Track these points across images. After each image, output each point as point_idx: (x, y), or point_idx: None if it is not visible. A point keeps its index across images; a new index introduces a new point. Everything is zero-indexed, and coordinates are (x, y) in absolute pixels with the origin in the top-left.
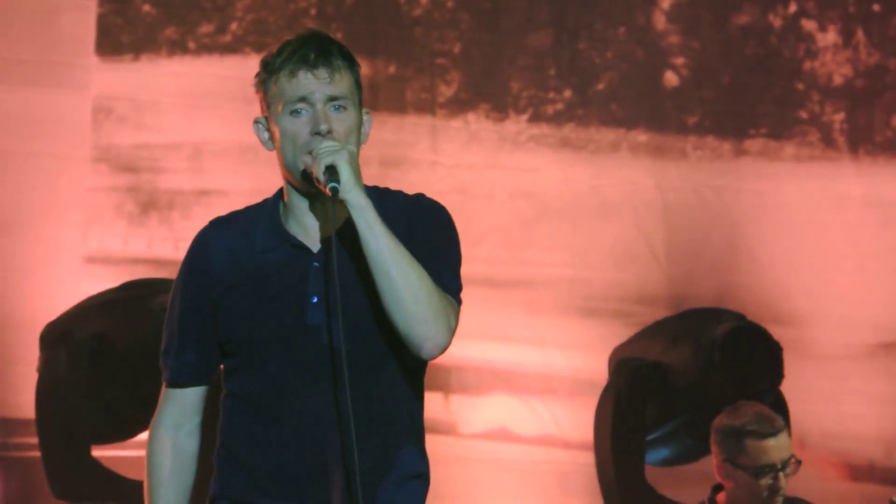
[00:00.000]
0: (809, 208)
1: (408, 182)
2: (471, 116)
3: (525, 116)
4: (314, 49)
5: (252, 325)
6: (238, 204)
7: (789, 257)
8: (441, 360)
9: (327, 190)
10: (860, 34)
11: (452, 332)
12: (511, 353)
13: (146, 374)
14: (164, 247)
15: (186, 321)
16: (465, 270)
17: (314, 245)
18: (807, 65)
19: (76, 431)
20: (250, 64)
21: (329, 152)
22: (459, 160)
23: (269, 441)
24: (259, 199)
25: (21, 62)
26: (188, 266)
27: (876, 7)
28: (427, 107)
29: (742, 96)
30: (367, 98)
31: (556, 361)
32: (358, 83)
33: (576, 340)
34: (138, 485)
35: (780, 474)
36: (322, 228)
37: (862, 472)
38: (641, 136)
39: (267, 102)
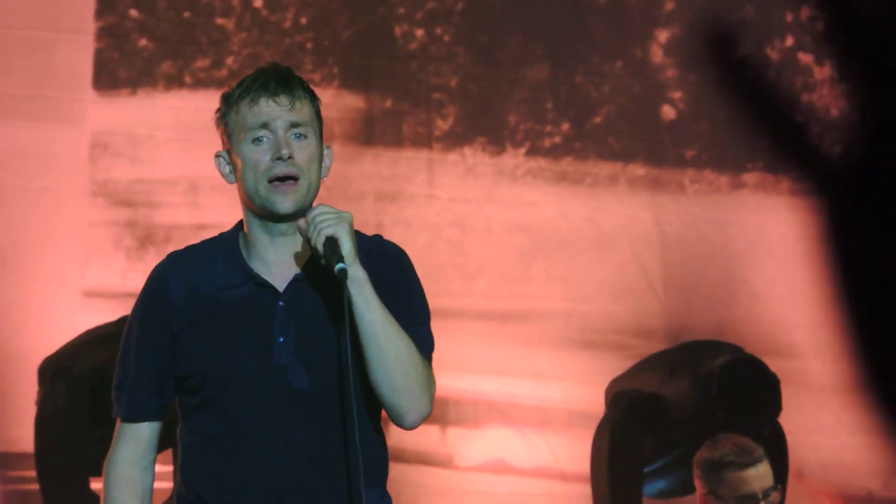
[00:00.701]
0: (806, 241)
1: (404, 216)
2: (467, 150)
3: (522, 150)
4: (275, 78)
5: (214, 363)
6: None
7: (787, 290)
8: (438, 392)
9: (335, 270)
10: None
11: (432, 400)
12: (508, 386)
13: None
14: None
15: (143, 356)
16: (463, 304)
17: (279, 282)
18: (804, 97)
19: (75, 464)
20: None
21: (329, 223)
22: (456, 194)
23: (232, 482)
24: None
25: (18, 96)
26: (146, 300)
27: None
28: (423, 140)
29: (739, 129)
30: (364, 131)
31: (553, 394)
32: (318, 115)
33: (573, 373)
34: None
35: (762, 503)
36: (286, 265)
37: (859, 503)
38: (639, 170)
39: (228, 133)
